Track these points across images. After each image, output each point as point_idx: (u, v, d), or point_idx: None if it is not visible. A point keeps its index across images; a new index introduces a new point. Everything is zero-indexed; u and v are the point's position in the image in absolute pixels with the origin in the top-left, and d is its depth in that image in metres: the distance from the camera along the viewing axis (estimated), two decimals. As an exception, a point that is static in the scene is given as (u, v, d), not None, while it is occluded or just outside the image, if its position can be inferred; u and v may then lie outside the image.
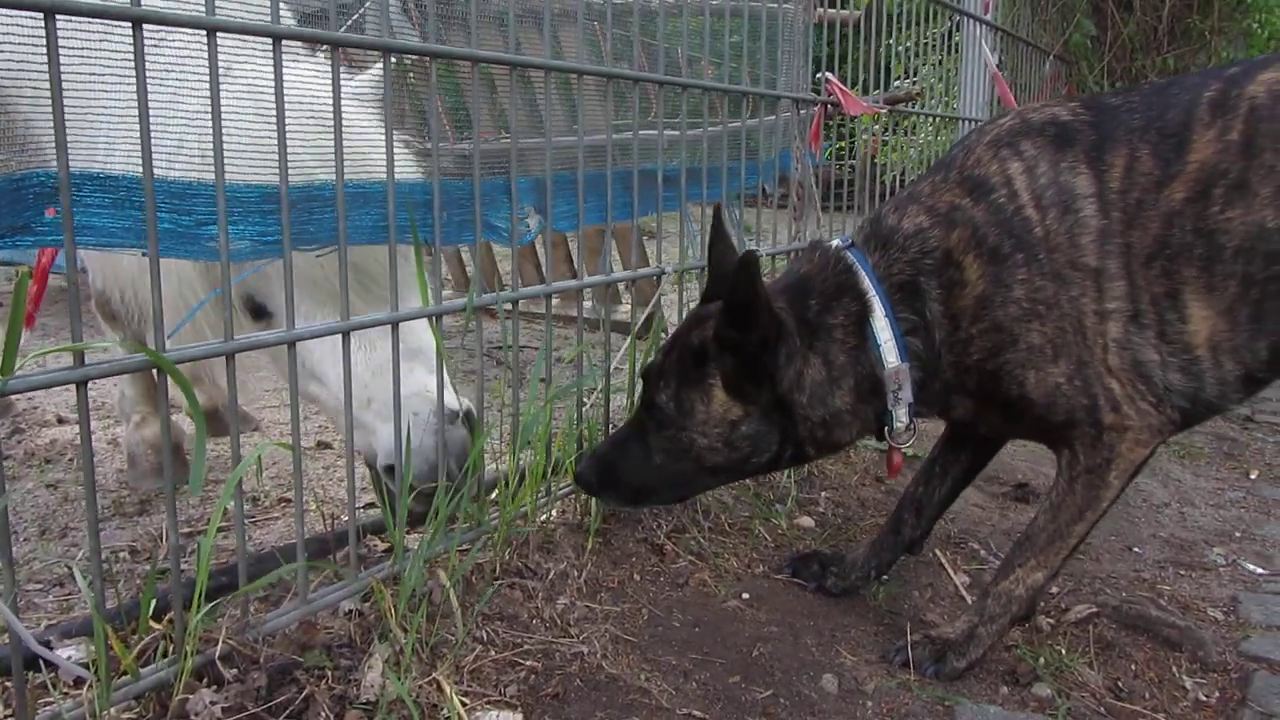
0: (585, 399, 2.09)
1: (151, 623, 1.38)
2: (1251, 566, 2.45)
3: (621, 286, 3.46)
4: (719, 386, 1.66)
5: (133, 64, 1.17)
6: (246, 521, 2.31)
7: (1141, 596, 2.18)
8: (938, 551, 2.31)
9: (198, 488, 1.35)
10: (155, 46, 1.34)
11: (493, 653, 1.56)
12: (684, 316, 2.17)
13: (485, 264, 4.99)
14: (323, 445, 2.98)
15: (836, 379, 1.68)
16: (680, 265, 2.34)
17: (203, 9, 1.24)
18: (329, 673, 1.41)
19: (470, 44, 1.69)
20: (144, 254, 1.35)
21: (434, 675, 1.44)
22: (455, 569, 1.63)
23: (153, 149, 1.21)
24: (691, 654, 1.69)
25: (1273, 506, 2.92)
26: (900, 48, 3.68)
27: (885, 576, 2.10)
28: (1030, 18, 5.40)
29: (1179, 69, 5.95)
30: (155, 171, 1.31)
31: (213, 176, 1.31)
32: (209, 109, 1.25)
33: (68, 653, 1.27)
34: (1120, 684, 1.83)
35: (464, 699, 1.42)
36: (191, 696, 1.28)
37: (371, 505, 2.11)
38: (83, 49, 1.19)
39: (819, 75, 3.01)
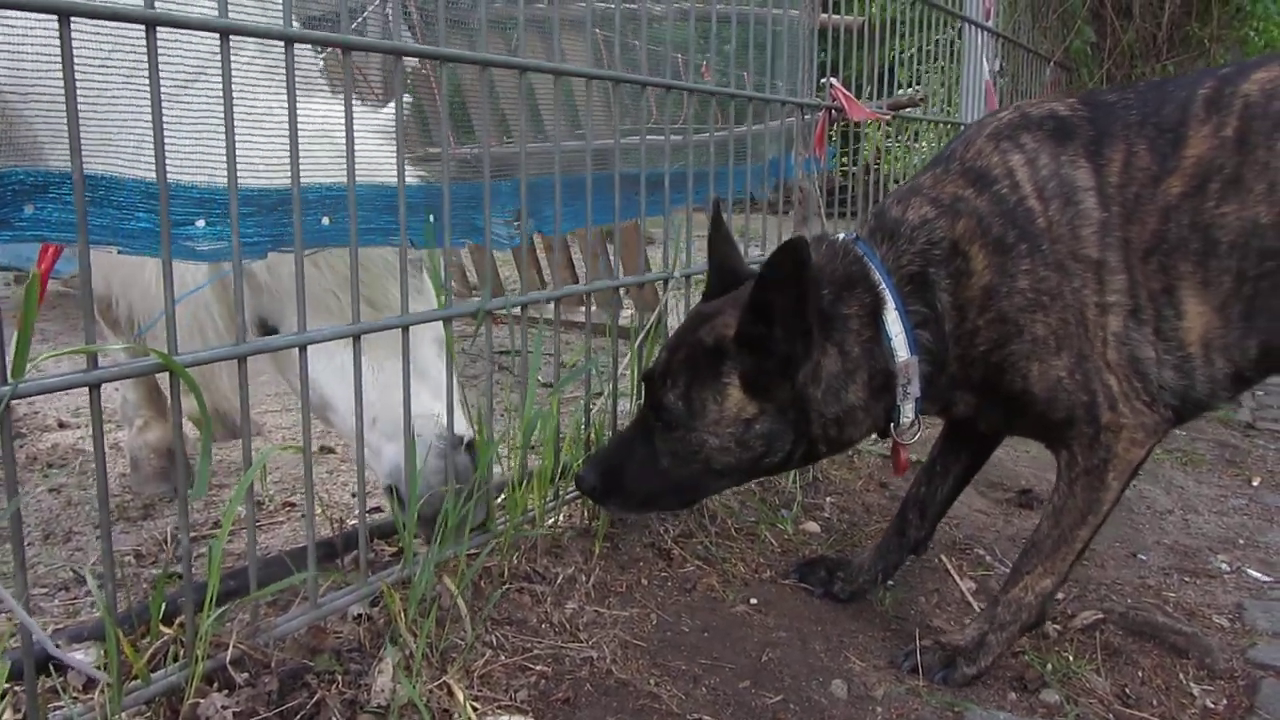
0: (592, 403, 2.09)
1: (161, 627, 1.38)
2: (1256, 574, 2.45)
3: (622, 291, 3.48)
4: (736, 385, 1.62)
5: (114, 64, 1.17)
6: (227, 512, 2.30)
7: (1147, 603, 2.18)
8: (943, 557, 2.31)
9: (202, 491, 1.34)
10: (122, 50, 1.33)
11: (502, 657, 1.55)
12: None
13: (531, 276, 4.96)
14: (325, 450, 2.98)
15: (851, 372, 1.65)
16: (687, 269, 2.34)
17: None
18: (339, 677, 1.41)
19: (473, 48, 1.69)
20: (119, 251, 1.35)
21: (444, 679, 1.44)
22: (464, 573, 1.62)
23: (131, 149, 1.21)
24: (701, 659, 1.68)
25: (1276, 514, 2.92)
26: (904, 54, 3.69)
27: (892, 581, 2.09)
28: (1031, 24, 5.42)
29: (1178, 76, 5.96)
30: (134, 173, 1.31)
31: (188, 178, 1.32)
32: (187, 111, 1.25)
33: (79, 657, 1.26)
34: (1128, 690, 1.82)
35: (475, 703, 1.42)
36: (203, 701, 1.27)
37: (376, 510, 2.11)
38: (84, 51, 1.18)
39: (823, 80, 3.02)
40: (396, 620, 1.49)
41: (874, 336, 1.66)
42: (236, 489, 1.35)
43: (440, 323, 1.73)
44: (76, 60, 1.11)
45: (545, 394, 2.03)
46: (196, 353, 1.30)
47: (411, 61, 1.81)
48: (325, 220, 1.58)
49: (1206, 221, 1.58)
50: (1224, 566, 2.51)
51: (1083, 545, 1.76)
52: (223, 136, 1.28)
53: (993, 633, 1.78)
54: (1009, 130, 1.70)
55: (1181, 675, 1.90)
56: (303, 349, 1.44)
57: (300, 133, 1.38)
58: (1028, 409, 1.69)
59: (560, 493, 1.98)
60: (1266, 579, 2.41)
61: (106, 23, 1.18)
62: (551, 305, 2.08)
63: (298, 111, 1.36)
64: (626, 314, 4.49)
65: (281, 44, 1.34)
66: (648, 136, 2.11)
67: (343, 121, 1.47)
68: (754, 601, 1.92)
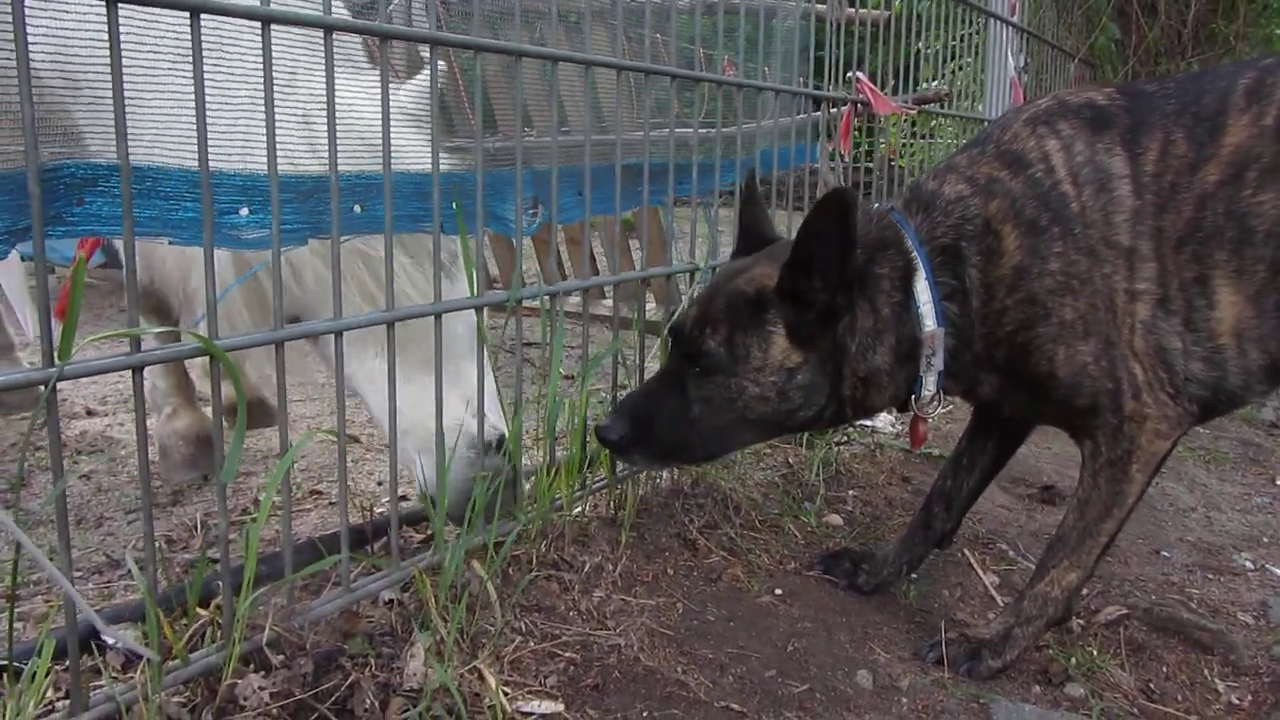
0: (618, 394, 2.10)
1: (197, 609, 1.40)
2: (1279, 571, 2.45)
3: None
4: (781, 334, 1.61)
5: (159, 54, 1.18)
6: (280, 512, 2.32)
7: (1171, 600, 2.18)
8: (966, 551, 2.31)
9: (231, 474, 1.36)
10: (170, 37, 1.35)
11: (532, 643, 1.57)
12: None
13: (506, 260, 5.01)
14: (351, 439, 3.00)
15: (880, 332, 1.65)
16: (713, 261, 2.35)
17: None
18: (372, 660, 1.42)
19: (502, 37, 1.71)
20: (170, 242, 1.37)
21: (475, 664, 1.45)
22: (493, 560, 1.63)
23: (172, 139, 1.22)
24: (727, 648, 1.69)
25: (1300, 512, 2.91)
26: (929, 50, 3.68)
27: (915, 574, 2.10)
28: (1055, 21, 5.39)
29: (1203, 73, 5.91)
30: (177, 161, 1.33)
31: (228, 165, 1.33)
32: (229, 99, 1.26)
33: (119, 637, 1.28)
34: (1152, 685, 1.82)
35: (505, 689, 1.43)
36: (240, 681, 1.29)
37: (403, 498, 2.13)
38: (130, 40, 1.20)
39: (849, 74, 3.02)
40: (428, 605, 1.51)
41: (904, 301, 1.66)
42: (273, 474, 1.36)
43: (473, 320, 1.75)
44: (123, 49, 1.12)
45: (567, 385, 2.04)
46: (235, 338, 1.32)
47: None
48: (357, 208, 1.60)
49: (1243, 210, 1.58)
50: (1248, 564, 2.50)
51: (1108, 539, 1.76)
52: (260, 124, 1.30)
53: (1018, 626, 1.78)
54: (1046, 116, 1.71)
55: (1206, 671, 1.90)
56: (338, 335, 1.45)
57: (348, 119, 1.39)
58: (1051, 394, 1.69)
59: (587, 482, 1.99)
60: (1291, 577, 2.40)
61: (153, 12, 1.19)
62: (572, 296, 2.09)
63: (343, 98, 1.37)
64: (649, 307, 4.50)
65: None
66: (671, 129, 2.12)
67: (370, 108, 1.48)
68: (779, 592, 1.93)
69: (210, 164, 1.24)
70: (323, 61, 1.35)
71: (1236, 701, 1.82)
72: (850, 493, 2.55)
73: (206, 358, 1.29)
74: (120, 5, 1.12)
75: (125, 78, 1.13)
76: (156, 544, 2.12)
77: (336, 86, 1.37)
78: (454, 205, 1.74)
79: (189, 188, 1.37)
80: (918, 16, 3.59)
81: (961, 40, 3.91)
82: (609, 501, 2.05)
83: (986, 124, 4.24)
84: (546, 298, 1.85)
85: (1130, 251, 1.62)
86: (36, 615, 1.78)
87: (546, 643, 1.58)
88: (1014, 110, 1.81)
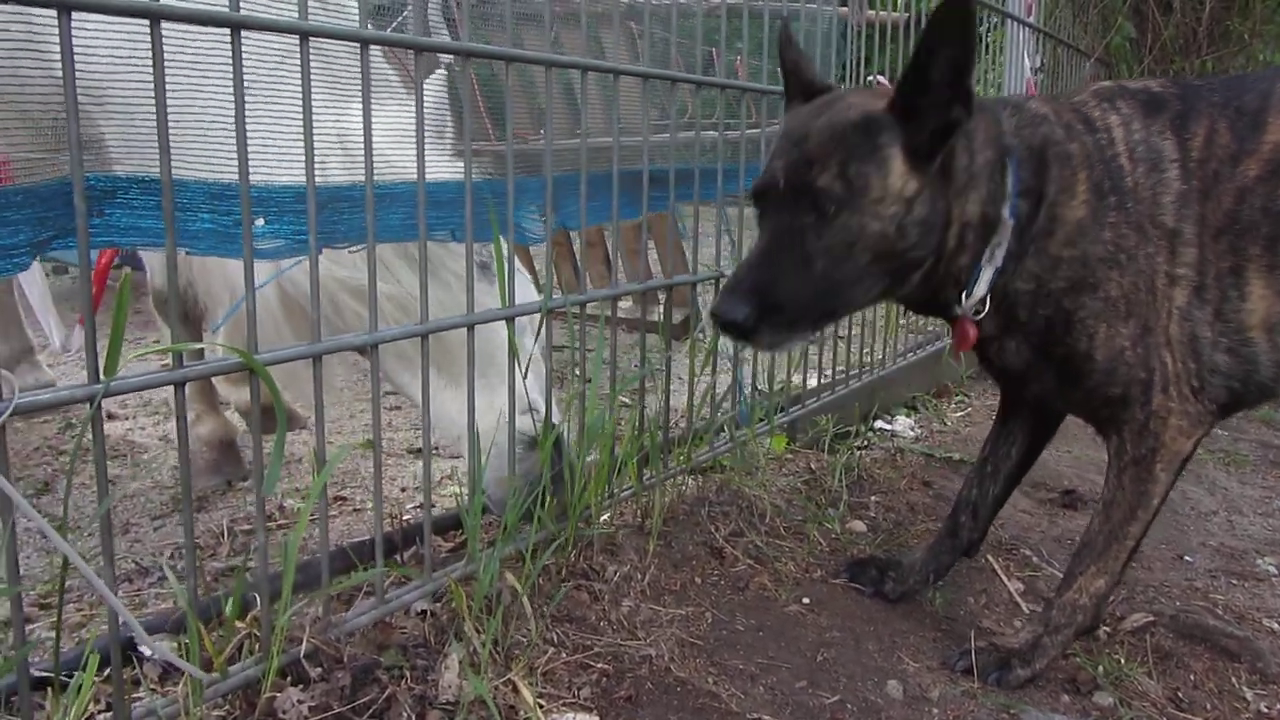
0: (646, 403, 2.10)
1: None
2: (1304, 577, 2.44)
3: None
4: (898, 156, 1.50)
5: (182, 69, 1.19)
6: (302, 513, 2.33)
7: (1196, 606, 2.17)
8: (990, 558, 2.31)
9: (271, 488, 1.37)
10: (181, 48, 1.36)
11: (564, 655, 1.57)
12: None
13: (527, 266, 4.99)
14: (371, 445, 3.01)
15: (975, 178, 1.58)
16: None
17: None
18: (407, 673, 1.43)
19: (522, 46, 1.71)
20: (187, 252, 1.38)
21: (509, 676, 1.46)
22: (530, 571, 1.64)
23: (190, 152, 1.23)
24: (757, 658, 1.70)
25: (1322, 516, 2.90)
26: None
27: (941, 582, 2.10)
28: (1071, 20, 5.37)
29: (1217, 71, 5.91)
30: (197, 174, 1.33)
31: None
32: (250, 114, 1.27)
33: (160, 651, 1.29)
34: (1180, 694, 1.82)
35: (540, 700, 1.44)
36: (279, 695, 1.30)
37: (417, 506, 2.14)
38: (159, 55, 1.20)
39: (870, 77, 3.01)
40: (462, 616, 1.51)
41: (997, 162, 1.61)
42: (313, 485, 1.37)
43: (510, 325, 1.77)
44: (144, 63, 1.13)
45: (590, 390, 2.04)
46: (275, 351, 1.32)
47: (444, 57, 1.84)
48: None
49: (1279, 208, 1.60)
50: (1271, 569, 2.49)
51: (1134, 542, 1.76)
52: (278, 136, 1.31)
53: (1047, 635, 1.78)
54: (1109, 94, 1.72)
55: (1234, 679, 1.90)
56: (374, 347, 1.46)
57: (351, 131, 1.40)
58: (1085, 379, 1.68)
59: (615, 490, 1.99)
60: (1315, 583, 2.40)
61: (181, 26, 1.20)
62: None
63: (347, 110, 1.38)
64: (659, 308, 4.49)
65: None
66: (684, 133, 2.12)
67: (388, 119, 1.49)
68: (806, 601, 1.93)
69: (229, 177, 1.25)
70: (350, 74, 1.36)
71: (1265, 710, 1.82)
72: (873, 498, 2.55)
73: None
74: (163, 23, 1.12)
75: (145, 92, 1.13)
76: (180, 552, 2.14)
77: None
78: (486, 214, 1.75)
79: (205, 199, 1.38)
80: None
81: (979, 41, 3.90)
82: (636, 510, 2.05)
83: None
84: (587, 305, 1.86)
85: (1174, 233, 1.62)
86: (71, 624, 1.79)
87: (579, 654, 1.58)
88: (1078, 88, 1.83)
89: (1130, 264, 1.62)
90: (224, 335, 2.16)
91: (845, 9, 2.95)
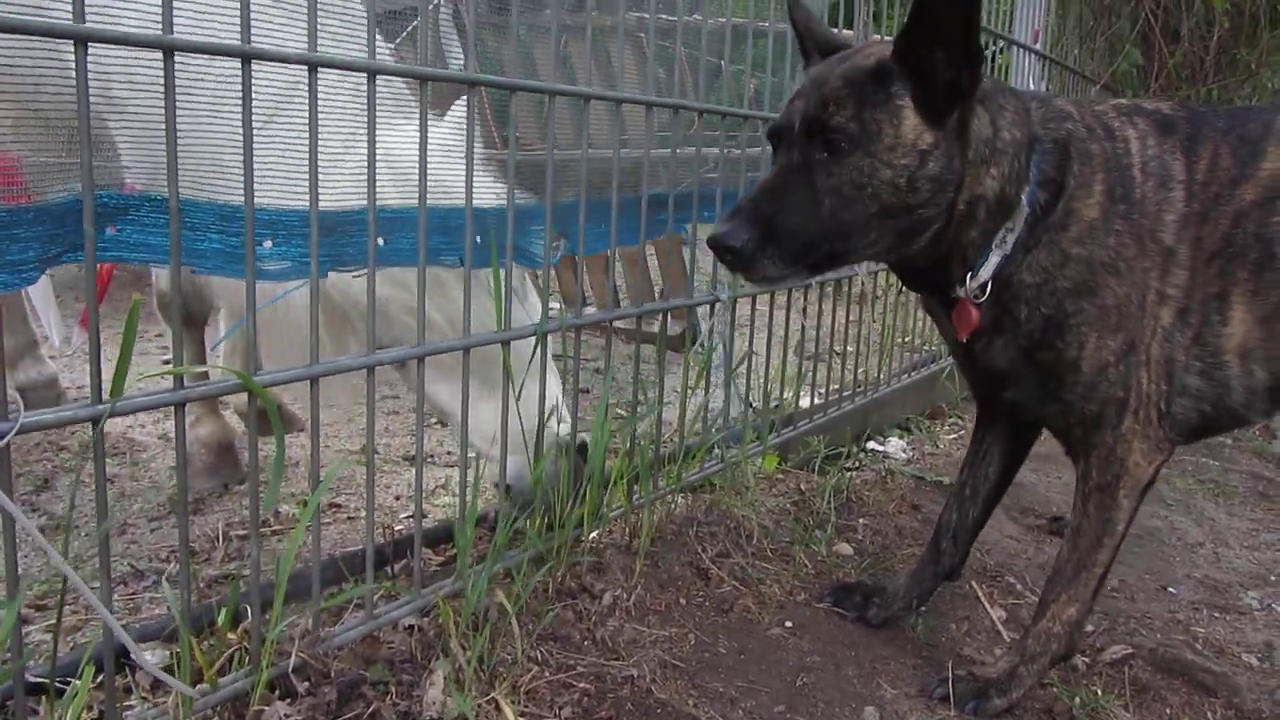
0: (639, 420, 2.14)
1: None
2: (1286, 612, 2.47)
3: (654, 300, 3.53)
4: (909, 107, 1.51)
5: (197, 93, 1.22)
6: (297, 527, 2.36)
7: (1177, 639, 2.20)
8: (974, 584, 2.34)
9: (271, 504, 1.41)
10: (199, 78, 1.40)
11: (547, 673, 1.60)
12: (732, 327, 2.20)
13: (568, 282, 4.97)
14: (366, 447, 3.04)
15: (996, 153, 1.60)
16: (735, 292, 2.38)
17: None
18: (392, 688, 1.46)
19: (533, 59, 1.75)
20: (194, 271, 1.42)
21: (493, 695, 1.49)
22: (519, 589, 1.67)
23: (201, 174, 1.26)
24: (738, 681, 1.73)
25: (1307, 551, 2.93)
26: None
27: (924, 607, 2.13)
28: (1078, 47, 5.41)
29: (1224, 100, 5.93)
30: (208, 195, 1.37)
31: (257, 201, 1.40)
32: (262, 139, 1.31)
33: (152, 667, 1.32)
34: (1155, 728, 1.85)
35: (521, 718, 1.47)
36: (267, 708, 1.33)
37: (410, 515, 2.18)
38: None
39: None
40: (449, 633, 1.54)
41: (1024, 146, 1.63)
42: (309, 503, 1.40)
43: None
44: (157, 90, 1.16)
45: (586, 402, 2.08)
46: (274, 373, 1.36)
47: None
48: (380, 241, 1.64)
49: (1270, 234, 1.64)
50: (1254, 603, 2.52)
51: (1103, 569, 1.78)
52: (291, 162, 1.34)
53: (1023, 664, 1.81)
54: (1127, 110, 1.76)
55: (1209, 714, 1.93)
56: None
57: (359, 156, 1.45)
58: (1065, 389, 1.69)
59: (603, 510, 2.03)
60: (1296, 618, 2.42)
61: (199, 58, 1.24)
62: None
63: (357, 134, 1.42)
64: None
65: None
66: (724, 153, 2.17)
67: (400, 145, 1.53)
68: (789, 624, 1.96)
69: (240, 200, 1.29)
70: (360, 102, 1.40)
71: (1238, 747, 1.85)
72: (861, 521, 2.58)
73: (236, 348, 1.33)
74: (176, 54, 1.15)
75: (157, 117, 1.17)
76: (175, 555, 2.17)
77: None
78: (478, 240, 1.80)
79: (215, 219, 1.42)
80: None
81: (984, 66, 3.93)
82: (624, 529, 2.08)
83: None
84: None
85: (1170, 252, 1.66)
86: (66, 626, 1.82)
87: (561, 673, 1.61)
88: (1095, 99, 1.86)
89: (1128, 274, 1.65)
90: (229, 346, 2.20)
91: (850, 32, 2.98)
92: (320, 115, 1.38)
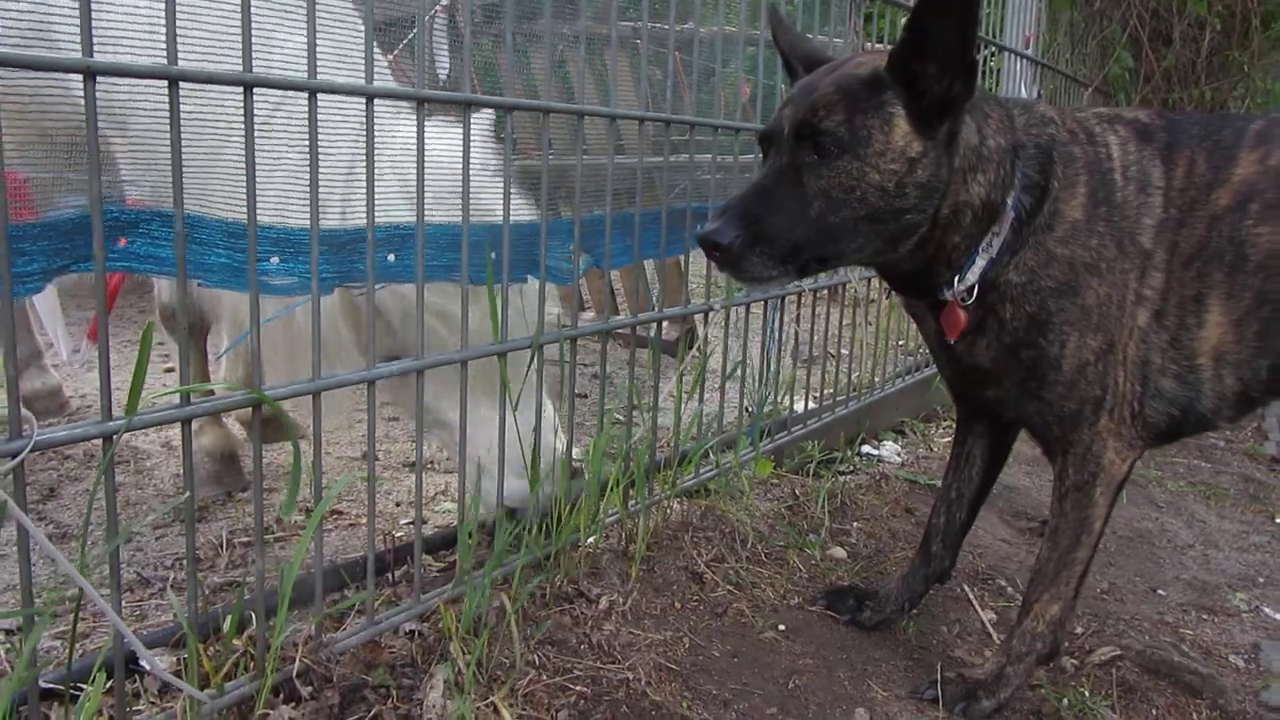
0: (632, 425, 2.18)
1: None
2: (1273, 613, 2.51)
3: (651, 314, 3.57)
4: (901, 116, 1.55)
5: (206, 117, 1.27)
6: (298, 534, 2.40)
7: (1164, 641, 2.24)
8: (965, 587, 2.38)
9: (289, 511, 1.45)
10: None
11: (544, 677, 1.64)
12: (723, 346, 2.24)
13: (596, 289, 5.00)
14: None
15: (982, 160, 1.64)
16: (727, 301, 2.43)
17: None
18: (393, 692, 1.50)
19: (529, 64, 1.79)
20: (200, 284, 1.46)
21: (491, 698, 1.53)
22: (519, 594, 1.71)
23: (208, 192, 1.31)
24: (731, 684, 1.77)
25: (1296, 552, 2.97)
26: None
27: (916, 610, 2.17)
28: (1070, 51, 5.45)
29: (1216, 101, 5.97)
30: (217, 213, 1.41)
31: (265, 219, 1.45)
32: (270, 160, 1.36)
33: (161, 671, 1.36)
34: (1141, 728, 1.89)
35: (519, 722, 1.51)
36: (272, 713, 1.37)
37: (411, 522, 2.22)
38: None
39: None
40: (449, 638, 1.58)
41: (1008, 149, 1.66)
42: (314, 514, 1.44)
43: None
44: (162, 113, 1.21)
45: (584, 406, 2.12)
46: (281, 386, 1.40)
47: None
48: (391, 257, 1.69)
49: (1242, 237, 1.68)
50: (1242, 605, 2.56)
51: (1083, 567, 1.82)
52: (298, 183, 1.39)
53: (1010, 665, 1.84)
54: (1108, 117, 1.81)
55: (1195, 715, 1.97)
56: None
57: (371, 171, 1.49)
58: (1046, 387, 1.73)
59: (599, 515, 2.07)
60: (1283, 619, 2.46)
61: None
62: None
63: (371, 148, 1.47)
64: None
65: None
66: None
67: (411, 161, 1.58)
68: (782, 628, 2.00)
69: (246, 218, 1.34)
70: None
71: (1223, 747, 1.89)
72: (854, 524, 2.62)
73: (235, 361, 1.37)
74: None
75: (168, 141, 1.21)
76: (181, 563, 2.21)
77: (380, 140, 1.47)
78: (490, 255, 1.84)
79: (222, 236, 1.46)
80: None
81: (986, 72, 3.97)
82: (620, 534, 2.12)
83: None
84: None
85: (1147, 255, 1.70)
86: (76, 634, 1.86)
87: (558, 676, 1.65)
88: (1077, 109, 1.90)
89: (1108, 275, 1.69)
90: (233, 356, 2.23)
91: (840, 40, 3.02)
92: (330, 134, 1.42)
